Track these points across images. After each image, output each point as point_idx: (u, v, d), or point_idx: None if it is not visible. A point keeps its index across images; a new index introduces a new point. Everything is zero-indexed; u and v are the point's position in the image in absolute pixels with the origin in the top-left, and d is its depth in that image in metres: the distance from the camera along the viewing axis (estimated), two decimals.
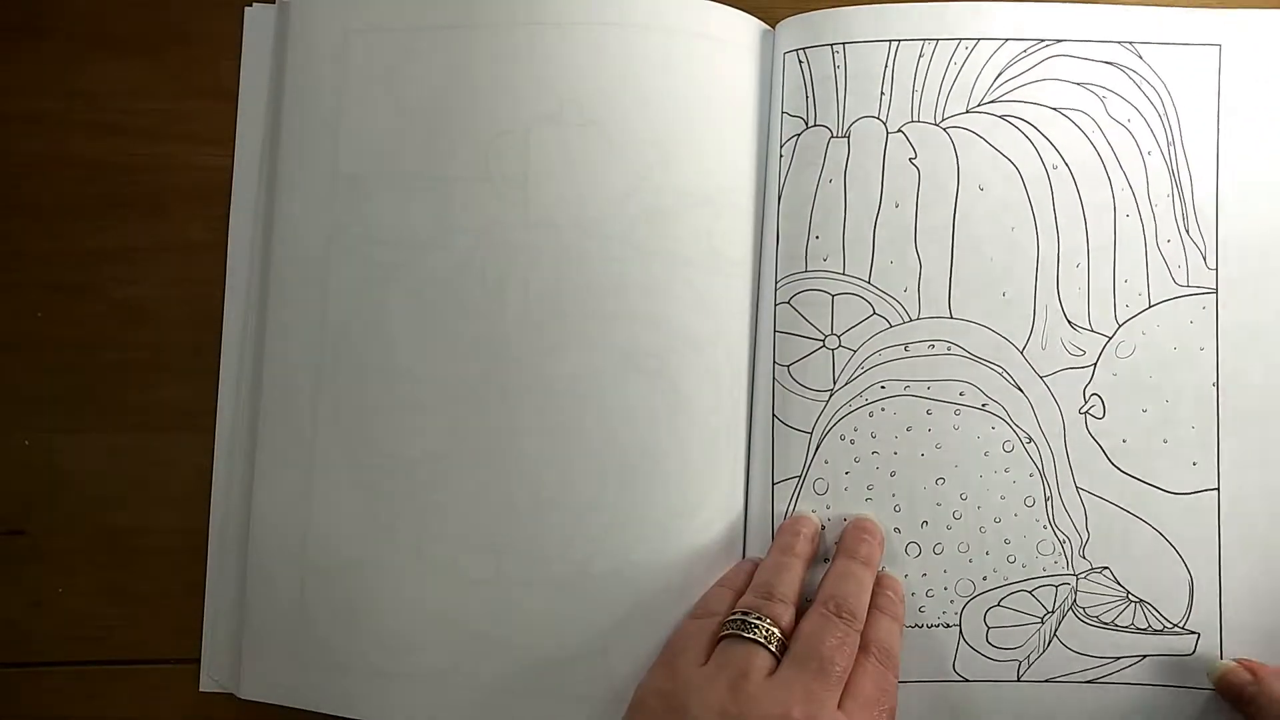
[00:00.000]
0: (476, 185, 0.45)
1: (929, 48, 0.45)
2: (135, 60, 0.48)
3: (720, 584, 0.44)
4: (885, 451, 0.45)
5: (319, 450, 0.45)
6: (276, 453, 0.45)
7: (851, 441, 0.45)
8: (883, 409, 0.45)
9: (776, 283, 0.45)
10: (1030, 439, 0.44)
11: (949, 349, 0.45)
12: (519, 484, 0.44)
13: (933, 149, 0.45)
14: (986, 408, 0.44)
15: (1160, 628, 0.44)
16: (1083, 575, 0.44)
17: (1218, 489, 0.44)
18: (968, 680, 0.44)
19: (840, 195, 0.45)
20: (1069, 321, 0.44)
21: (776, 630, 0.40)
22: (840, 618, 0.40)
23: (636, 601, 0.44)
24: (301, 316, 0.45)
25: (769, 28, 0.47)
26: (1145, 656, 0.44)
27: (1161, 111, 0.45)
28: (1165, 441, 0.44)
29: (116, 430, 0.47)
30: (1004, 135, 0.45)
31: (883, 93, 0.45)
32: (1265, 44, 0.45)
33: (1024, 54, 0.45)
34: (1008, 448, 0.44)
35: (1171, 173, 0.45)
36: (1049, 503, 0.44)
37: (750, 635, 0.40)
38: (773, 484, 0.45)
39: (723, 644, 0.40)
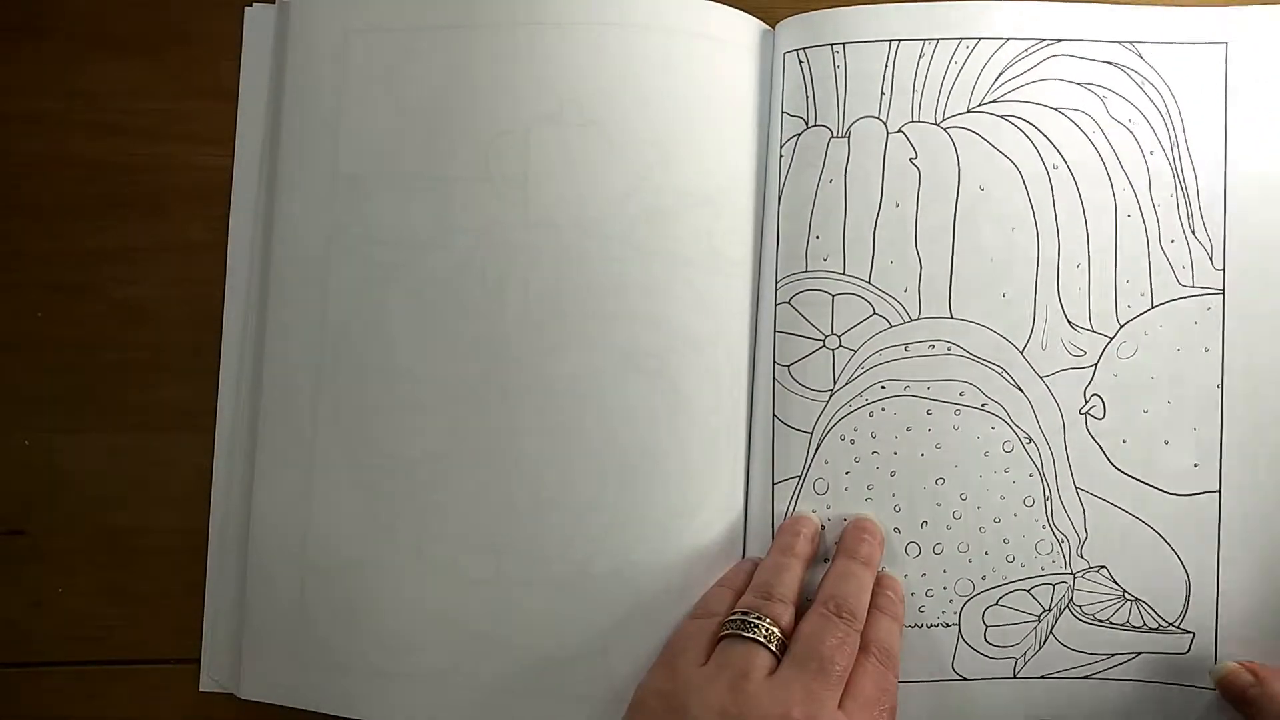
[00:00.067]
0: (476, 185, 0.45)
1: (929, 47, 0.45)
2: (135, 60, 0.48)
3: (720, 584, 0.44)
4: (885, 451, 0.45)
5: (319, 450, 0.45)
6: (276, 453, 0.45)
7: (851, 441, 0.45)
8: (883, 409, 0.45)
9: (777, 283, 0.46)
10: (1030, 439, 0.44)
11: (949, 349, 0.45)
12: (519, 484, 0.44)
13: (933, 149, 0.45)
14: (986, 408, 0.45)
15: (1155, 626, 0.44)
16: (1079, 574, 0.44)
17: (1219, 491, 0.44)
18: (966, 679, 0.44)
19: (840, 195, 0.45)
20: (1069, 322, 0.45)
21: (776, 630, 0.40)
22: (840, 618, 0.41)
23: (636, 601, 0.44)
24: (301, 316, 0.46)
25: (769, 28, 0.47)
26: (1140, 654, 0.44)
27: (1164, 111, 0.45)
28: (1166, 443, 0.44)
29: (116, 430, 0.47)
30: (1004, 135, 0.45)
31: (883, 93, 0.45)
32: (1273, 41, 0.45)
33: (1024, 54, 0.45)
34: (1007, 448, 0.45)
35: (1175, 172, 0.45)
36: (1048, 503, 0.44)
37: (750, 635, 0.40)
38: (773, 484, 0.45)
39: (723, 644, 0.41)
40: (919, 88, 0.45)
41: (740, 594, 0.43)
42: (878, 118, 0.45)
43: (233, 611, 0.46)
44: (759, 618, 0.41)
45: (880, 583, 0.44)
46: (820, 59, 0.46)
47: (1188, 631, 0.44)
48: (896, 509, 0.45)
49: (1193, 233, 0.45)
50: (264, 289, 0.46)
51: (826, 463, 0.45)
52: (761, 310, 0.46)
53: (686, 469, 0.44)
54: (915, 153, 0.45)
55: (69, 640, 0.47)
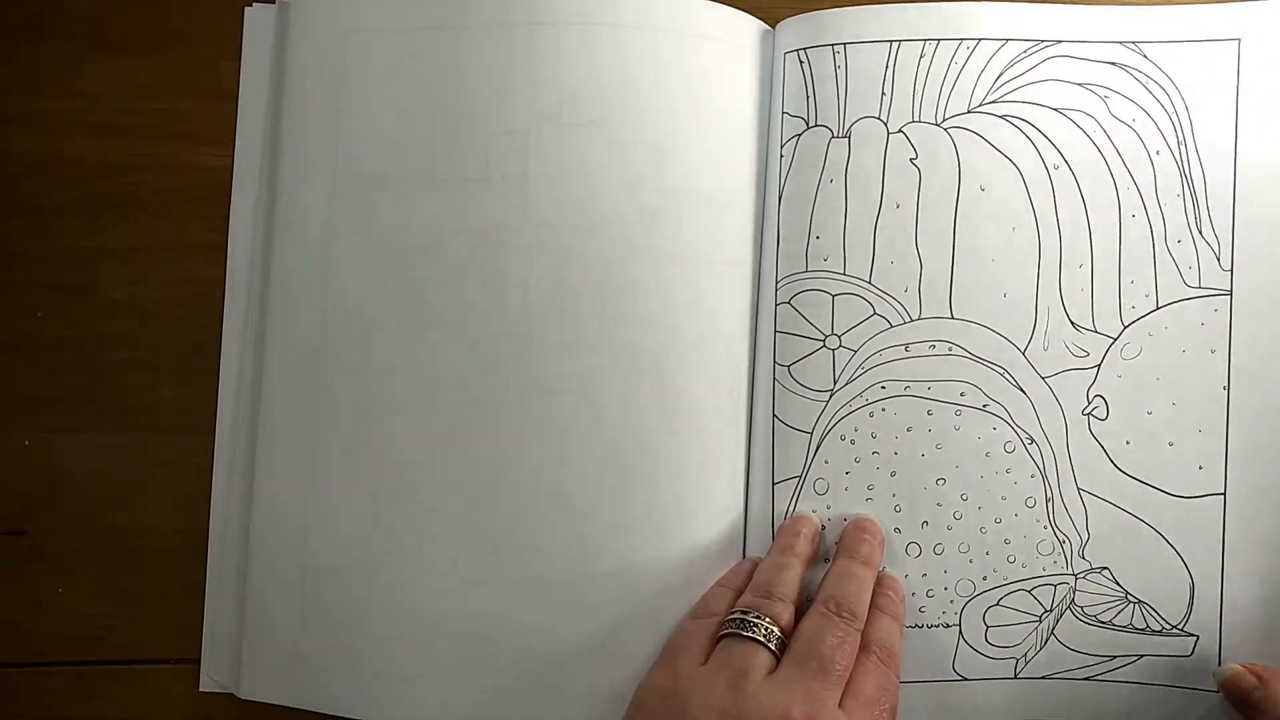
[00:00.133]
0: (476, 185, 0.46)
1: (930, 48, 0.45)
2: (135, 60, 0.49)
3: (720, 584, 0.44)
4: (885, 452, 0.45)
5: (319, 450, 0.45)
6: (276, 453, 0.46)
7: (852, 442, 0.45)
8: (883, 409, 0.45)
9: (777, 283, 0.46)
10: (1032, 440, 0.45)
11: (950, 349, 0.45)
12: (519, 484, 0.45)
13: (933, 149, 0.45)
14: (987, 408, 0.45)
15: (1159, 628, 0.45)
16: (1081, 575, 0.45)
17: (1224, 493, 0.44)
18: (967, 679, 0.45)
19: (841, 195, 0.46)
20: (1072, 322, 0.45)
21: (776, 629, 0.41)
22: (841, 617, 0.41)
23: (637, 601, 0.44)
24: (301, 317, 0.46)
25: (769, 28, 0.47)
26: (1142, 656, 0.45)
27: (1170, 110, 0.45)
28: (1171, 444, 0.45)
29: (116, 430, 0.47)
30: (1005, 135, 0.45)
31: (883, 93, 0.45)
32: None
33: (1024, 54, 0.45)
34: (1009, 448, 0.45)
35: (1182, 172, 0.45)
36: (1050, 504, 0.45)
37: (750, 634, 0.40)
38: (773, 484, 0.46)
39: (722, 643, 0.41)
40: (919, 88, 0.45)
41: (740, 594, 0.43)
42: (878, 118, 0.46)
43: (233, 611, 0.46)
44: (758, 617, 0.41)
45: (881, 583, 0.44)
46: (821, 59, 0.46)
47: (1191, 634, 0.44)
48: (897, 509, 0.45)
49: (1200, 233, 0.45)
50: (264, 289, 0.47)
51: (827, 463, 0.45)
52: (762, 310, 0.46)
53: (686, 469, 0.45)
54: (916, 153, 0.45)
55: (69, 640, 0.47)
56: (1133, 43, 0.45)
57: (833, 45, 0.46)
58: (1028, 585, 0.45)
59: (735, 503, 0.46)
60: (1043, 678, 0.45)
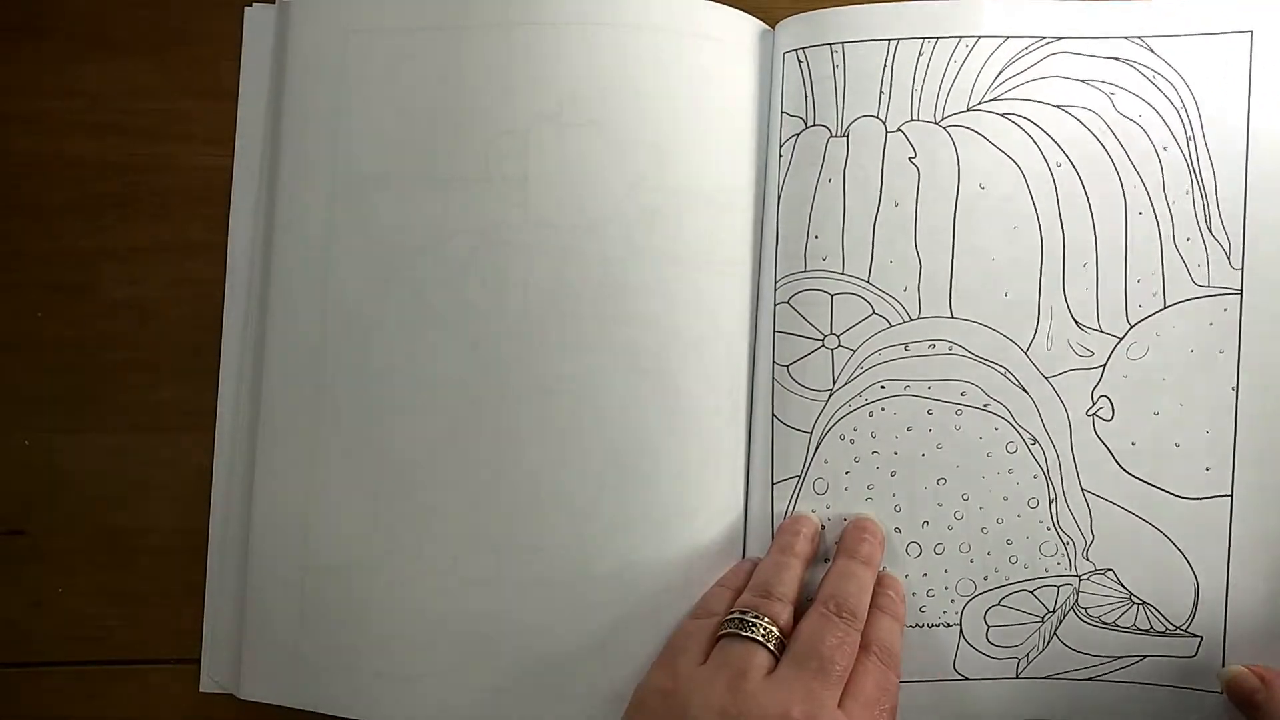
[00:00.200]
0: (476, 185, 0.46)
1: (928, 46, 0.46)
2: (135, 60, 0.49)
3: (720, 584, 0.45)
4: (885, 451, 0.46)
5: (319, 450, 0.46)
6: (276, 453, 0.46)
7: (851, 441, 0.46)
8: (883, 409, 0.46)
9: (776, 282, 0.46)
10: (1034, 440, 0.45)
11: (950, 349, 0.45)
12: (519, 484, 0.45)
13: (932, 148, 0.46)
14: (989, 408, 0.45)
15: (1162, 629, 0.45)
16: (1085, 576, 0.45)
17: (1231, 495, 0.45)
18: (968, 679, 0.45)
19: (839, 195, 0.46)
20: (1076, 322, 0.45)
21: (775, 629, 0.41)
22: (840, 617, 0.42)
23: (636, 602, 0.45)
24: (302, 316, 0.47)
25: (768, 27, 0.48)
26: (1145, 657, 0.45)
27: (1179, 105, 0.45)
28: (1178, 445, 0.45)
29: (116, 430, 0.48)
30: (1005, 133, 0.45)
31: (882, 92, 0.46)
32: None
33: (1024, 51, 0.45)
34: (1011, 449, 0.45)
35: (1191, 168, 0.45)
36: (1053, 504, 0.45)
37: (749, 634, 0.41)
38: (772, 484, 0.46)
39: (721, 643, 0.42)
40: (918, 87, 0.46)
41: (740, 594, 0.43)
42: (876, 117, 0.46)
43: (233, 611, 0.47)
44: (757, 617, 0.41)
45: (881, 582, 0.44)
46: (819, 58, 0.46)
47: (1195, 635, 0.45)
48: (897, 509, 0.46)
49: (1209, 231, 0.45)
50: (264, 289, 0.47)
51: (826, 462, 0.46)
52: (761, 310, 0.47)
53: (686, 469, 0.45)
54: (914, 151, 0.46)
55: (69, 640, 0.48)
56: (1139, 37, 0.45)
57: (831, 44, 0.46)
58: (1030, 586, 0.45)
59: (735, 503, 0.46)
60: (1045, 678, 0.45)
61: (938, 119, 0.46)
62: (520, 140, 0.46)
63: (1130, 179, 0.45)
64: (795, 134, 0.47)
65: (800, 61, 0.47)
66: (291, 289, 0.47)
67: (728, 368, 0.46)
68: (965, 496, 0.46)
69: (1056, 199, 0.46)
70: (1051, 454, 0.45)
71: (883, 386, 0.46)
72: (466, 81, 0.47)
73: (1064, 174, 0.46)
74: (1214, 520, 0.45)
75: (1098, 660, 0.45)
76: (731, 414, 0.46)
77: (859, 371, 0.46)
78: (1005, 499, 0.45)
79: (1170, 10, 0.46)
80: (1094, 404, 0.45)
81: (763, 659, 0.41)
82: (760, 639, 0.41)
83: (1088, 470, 0.45)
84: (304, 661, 0.46)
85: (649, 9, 0.46)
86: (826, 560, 0.45)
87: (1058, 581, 0.45)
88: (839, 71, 0.46)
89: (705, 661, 0.42)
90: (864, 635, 0.42)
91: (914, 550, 0.46)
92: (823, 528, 0.46)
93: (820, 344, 0.46)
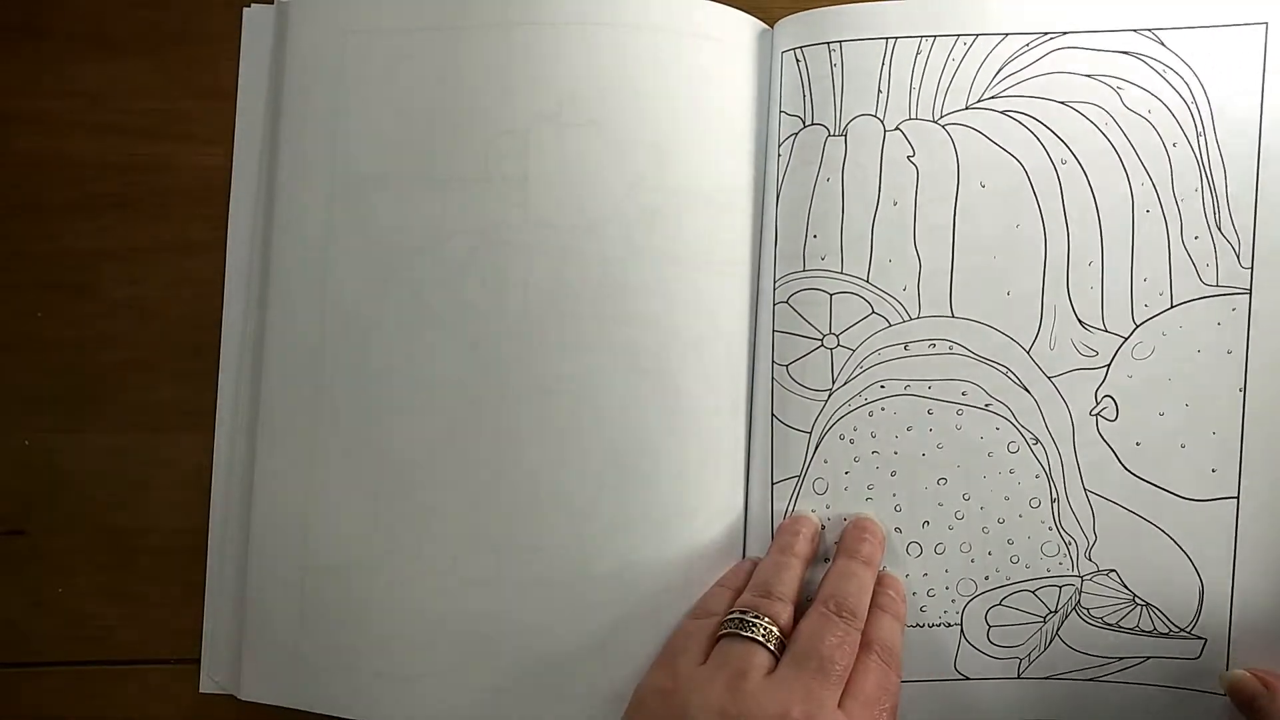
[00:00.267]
0: (476, 185, 0.47)
1: (926, 44, 0.46)
2: (135, 60, 0.50)
3: (720, 584, 0.46)
4: (885, 451, 0.46)
5: (319, 450, 0.47)
6: (276, 453, 0.47)
7: (851, 441, 0.46)
8: (882, 408, 0.46)
9: (775, 282, 0.47)
10: (1036, 440, 0.45)
11: (950, 348, 0.46)
12: (519, 484, 0.46)
13: (931, 146, 0.46)
14: (990, 408, 0.46)
15: (1166, 631, 0.45)
16: (1088, 577, 0.45)
17: (1237, 497, 0.45)
18: (969, 679, 0.46)
19: (838, 194, 0.46)
20: (1080, 321, 0.45)
21: (775, 629, 0.42)
22: (840, 617, 0.42)
23: (636, 602, 0.45)
24: (301, 316, 0.47)
25: (767, 27, 0.48)
26: (1148, 658, 0.45)
27: (1189, 100, 0.45)
28: (1183, 446, 0.45)
29: (116, 430, 0.49)
30: (1006, 131, 0.46)
31: (880, 90, 0.46)
32: None
33: (1025, 48, 0.45)
34: (1012, 448, 0.46)
35: (1201, 165, 0.45)
36: (1055, 504, 0.45)
37: (748, 634, 0.41)
38: (772, 484, 0.47)
39: (721, 643, 0.42)
40: (916, 85, 0.46)
41: (740, 594, 0.44)
42: (875, 115, 0.46)
43: (233, 611, 0.47)
44: (757, 616, 0.42)
45: (881, 582, 0.45)
46: (817, 57, 0.47)
47: (1199, 637, 0.45)
48: (897, 509, 0.46)
49: (1219, 229, 0.45)
50: (264, 289, 0.48)
51: (826, 462, 0.46)
52: (760, 310, 0.47)
53: (685, 469, 0.46)
54: (913, 150, 0.46)
55: (69, 640, 0.48)
56: (1149, 30, 0.45)
57: (829, 43, 0.47)
58: (1031, 586, 0.45)
59: (735, 502, 0.47)
60: (1046, 678, 0.46)
61: (936, 117, 0.46)
62: (520, 140, 0.47)
63: (1138, 176, 0.45)
64: (794, 133, 0.47)
65: (798, 61, 0.47)
66: (291, 289, 0.48)
67: (727, 368, 0.47)
68: (966, 496, 0.46)
69: (1060, 196, 0.46)
70: (1054, 454, 0.46)
71: (882, 386, 0.46)
72: (466, 81, 0.47)
73: (1069, 171, 0.46)
74: (1219, 522, 0.45)
75: (1100, 661, 0.46)
76: (731, 414, 0.47)
77: (859, 371, 0.46)
78: (1006, 499, 0.46)
79: (1182, 1, 0.45)
80: (1098, 404, 0.45)
81: (762, 659, 0.41)
82: (760, 639, 0.41)
83: (1090, 470, 0.45)
84: (304, 661, 0.46)
85: (648, 9, 0.47)
86: (826, 560, 0.46)
87: (1059, 582, 0.46)
88: (837, 70, 0.47)
89: (705, 661, 0.42)
90: (865, 634, 0.43)
91: (914, 550, 0.46)
92: (823, 528, 0.46)
93: (820, 344, 0.47)
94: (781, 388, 0.47)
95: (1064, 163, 0.46)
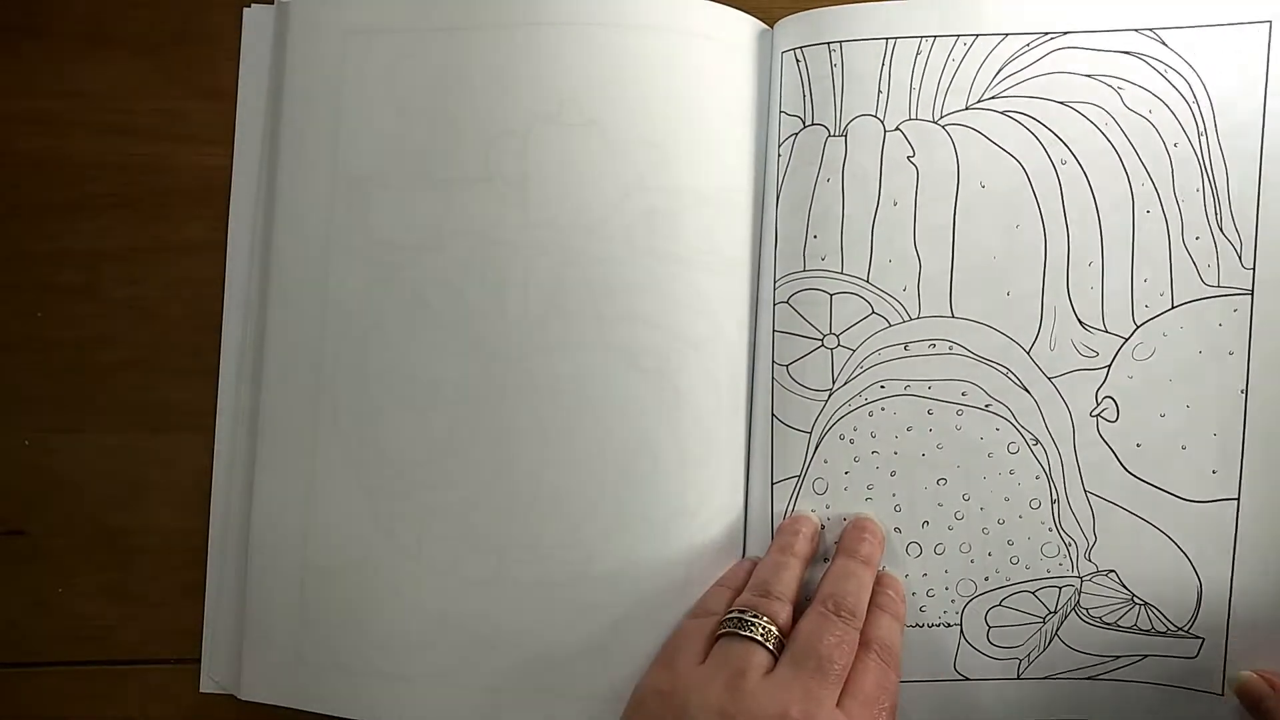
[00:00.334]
0: (476, 185, 0.47)
1: (926, 45, 0.46)
2: (135, 60, 0.50)
3: (720, 583, 0.46)
4: (885, 451, 0.46)
5: (319, 450, 0.47)
6: (276, 453, 0.47)
7: (851, 441, 0.46)
8: (882, 409, 0.46)
9: (775, 282, 0.47)
10: (1037, 441, 0.46)
11: (950, 348, 0.46)
12: (519, 484, 0.46)
13: (931, 147, 0.46)
14: (990, 408, 0.46)
15: (1164, 630, 0.45)
16: (1087, 577, 0.46)
17: (1238, 498, 0.45)
18: (968, 679, 0.46)
19: (838, 194, 0.47)
20: (1080, 322, 0.46)
21: (774, 628, 0.42)
22: (839, 616, 0.42)
23: (636, 601, 0.46)
24: (301, 316, 0.48)
25: (767, 27, 0.49)
26: (1146, 656, 0.45)
27: (1190, 100, 0.45)
28: (1184, 448, 0.45)
29: (116, 430, 0.49)
30: (1006, 131, 0.46)
31: (880, 91, 0.47)
32: None
33: (1026, 48, 0.46)
34: (1012, 449, 0.46)
35: (1202, 165, 0.45)
36: (1055, 505, 0.46)
37: (747, 633, 0.42)
38: (772, 484, 0.47)
39: (720, 642, 0.42)
40: (916, 85, 0.46)
41: (739, 593, 0.44)
42: (875, 116, 0.47)
43: (233, 611, 0.48)
44: (756, 616, 0.42)
45: (881, 582, 0.45)
46: (817, 58, 0.47)
47: (1197, 637, 0.45)
48: (897, 509, 0.46)
49: (1220, 229, 0.45)
50: (264, 289, 0.49)
51: (826, 462, 0.47)
52: (760, 310, 0.48)
53: (686, 469, 0.46)
54: (913, 150, 0.46)
55: (69, 640, 0.49)
56: (1150, 29, 0.45)
57: (829, 44, 0.47)
58: (1031, 586, 0.46)
59: (735, 502, 0.47)
60: (1046, 678, 0.46)
61: (936, 118, 0.47)
62: (520, 140, 0.47)
63: (1139, 176, 0.46)
64: (794, 133, 0.48)
65: (798, 61, 0.48)
66: (291, 289, 0.48)
67: (727, 367, 0.47)
68: (966, 497, 0.46)
69: (1061, 197, 0.46)
70: (1054, 455, 0.46)
71: (882, 386, 0.47)
72: (466, 82, 0.48)
73: (1069, 171, 0.46)
74: (1220, 523, 0.45)
75: (1098, 660, 0.46)
76: (731, 414, 0.47)
77: (859, 371, 0.47)
78: (1006, 499, 0.46)
79: (1183, 1, 0.45)
80: (1098, 405, 0.46)
81: (761, 658, 0.42)
82: (759, 638, 0.42)
83: (1090, 471, 0.46)
84: (304, 661, 0.47)
85: (648, 9, 0.47)
86: (826, 560, 0.46)
87: (1059, 582, 0.46)
88: (837, 71, 0.47)
89: (704, 661, 0.42)
90: (864, 633, 0.43)
91: (914, 550, 0.47)
92: (822, 527, 0.47)
93: (820, 344, 0.47)
94: (781, 388, 0.47)
95: (1064, 163, 0.46)
